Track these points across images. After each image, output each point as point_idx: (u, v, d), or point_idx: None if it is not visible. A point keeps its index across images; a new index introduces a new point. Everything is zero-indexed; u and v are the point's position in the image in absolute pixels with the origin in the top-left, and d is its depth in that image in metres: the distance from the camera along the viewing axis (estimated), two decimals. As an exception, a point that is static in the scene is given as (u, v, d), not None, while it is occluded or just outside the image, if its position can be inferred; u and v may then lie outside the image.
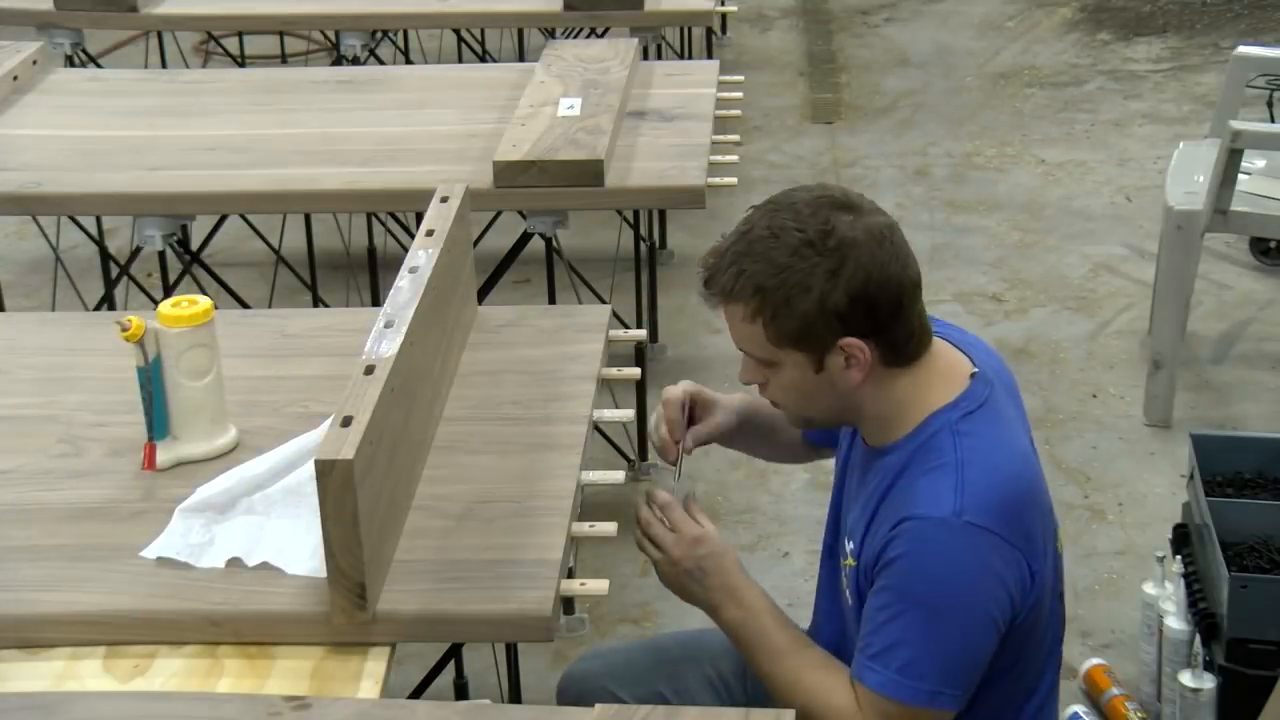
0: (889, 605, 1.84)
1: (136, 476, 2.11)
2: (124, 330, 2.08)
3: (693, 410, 2.18)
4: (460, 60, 5.99)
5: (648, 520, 1.96)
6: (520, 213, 3.39)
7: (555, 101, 3.38)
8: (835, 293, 1.81)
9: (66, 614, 1.88)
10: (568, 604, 1.91)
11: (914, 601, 1.83)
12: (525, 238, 3.44)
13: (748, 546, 3.55)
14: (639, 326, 3.95)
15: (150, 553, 1.96)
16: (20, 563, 1.96)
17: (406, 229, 4.86)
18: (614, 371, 2.45)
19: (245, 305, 3.96)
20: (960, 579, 1.82)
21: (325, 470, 1.77)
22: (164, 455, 2.13)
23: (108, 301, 3.98)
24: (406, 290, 2.13)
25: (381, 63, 5.41)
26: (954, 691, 1.84)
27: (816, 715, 1.87)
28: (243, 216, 4.40)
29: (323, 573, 1.87)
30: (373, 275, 4.31)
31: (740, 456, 3.84)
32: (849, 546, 1.96)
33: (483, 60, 5.90)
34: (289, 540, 1.95)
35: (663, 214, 4.80)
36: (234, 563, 1.93)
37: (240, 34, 5.68)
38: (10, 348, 2.51)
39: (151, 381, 2.11)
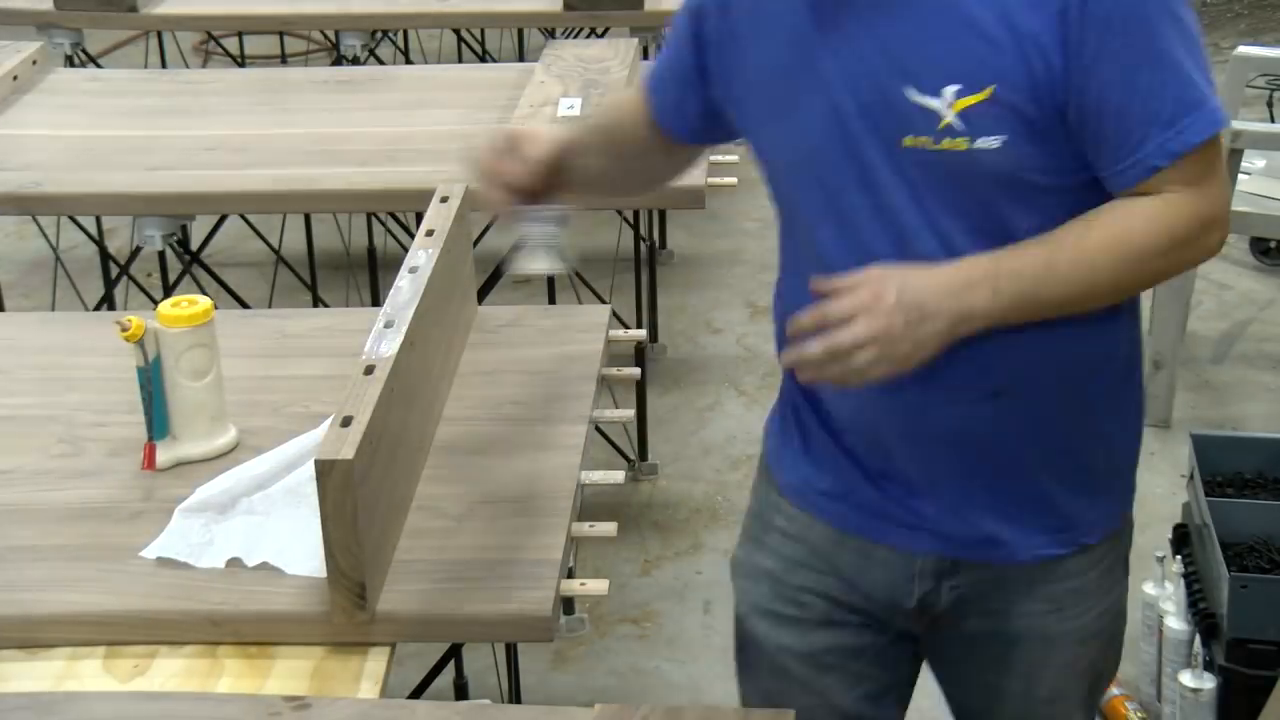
0: (1146, 42, 1.55)
1: (136, 476, 2.11)
2: (123, 330, 2.08)
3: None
4: (460, 60, 6.00)
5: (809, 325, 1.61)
6: (520, 213, 3.39)
7: (555, 101, 3.38)
8: None
9: (66, 614, 1.88)
10: (568, 604, 1.90)
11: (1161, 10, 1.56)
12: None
13: (748, 546, 3.55)
14: (639, 326, 3.95)
15: (150, 552, 1.95)
16: (20, 563, 1.96)
17: (406, 229, 4.87)
18: (614, 371, 2.45)
19: (245, 305, 3.97)
20: None
21: (325, 470, 1.77)
22: (164, 455, 2.13)
23: (108, 301, 3.98)
24: (406, 290, 2.13)
25: (381, 63, 5.41)
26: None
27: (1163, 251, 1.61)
28: (243, 216, 4.40)
29: (323, 573, 1.87)
30: (373, 275, 4.31)
31: (740, 456, 3.85)
32: (949, 91, 1.57)
33: (483, 60, 5.91)
34: (289, 540, 1.95)
35: (663, 214, 4.80)
36: (234, 563, 1.93)
37: (240, 34, 5.68)
38: (10, 348, 2.51)
39: (151, 381, 2.11)
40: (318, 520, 1.85)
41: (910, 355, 1.59)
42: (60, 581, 1.92)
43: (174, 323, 2.10)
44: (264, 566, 1.92)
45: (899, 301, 1.57)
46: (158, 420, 2.13)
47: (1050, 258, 1.59)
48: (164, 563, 1.94)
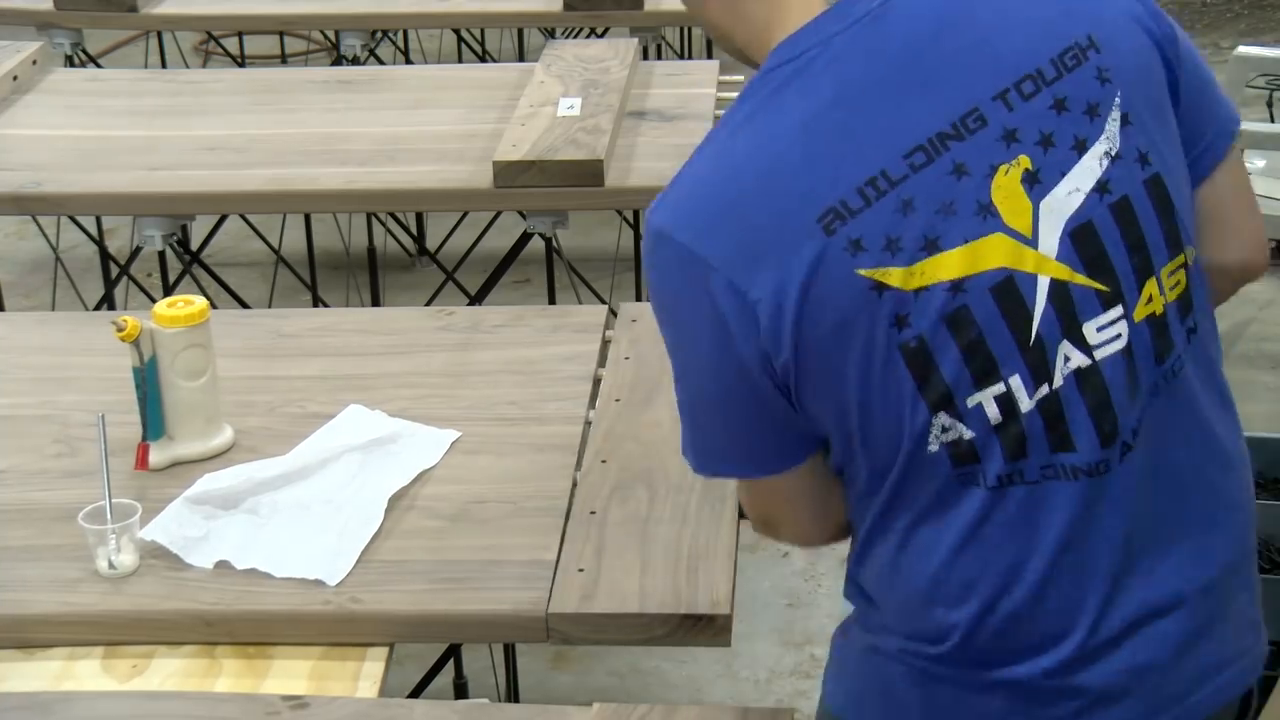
0: None
1: (131, 477, 2.11)
2: (119, 330, 2.07)
3: None
4: (460, 60, 5.99)
5: None
6: (520, 213, 3.39)
7: (555, 101, 3.38)
8: None
9: (62, 614, 1.88)
10: (566, 604, 1.90)
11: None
12: (525, 238, 3.44)
13: (748, 547, 3.54)
14: (638, 326, 3.94)
15: (146, 534, 1.95)
16: (16, 563, 1.96)
17: (406, 229, 4.87)
18: (611, 371, 2.45)
19: (245, 305, 3.97)
20: (659, 300, 1.47)
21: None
22: (159, 455, 2.13)
23: (108, 301, 3.98)
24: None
25: (381, 63, 5.41)
26: (708, 459, 1.54)
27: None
28: (243, 216, 4.40)
29: (312, 574, 1.88)
30: (373, 275, 4.31)
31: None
32: None
33: (483, 60, 5.90)
34: (285, 546, 1.94)
35: (663, 214, 4.79)
36: (222, 565, 1.93)
37: (240, 34, 5.68)
38: (7, 347, 2.51)
39: (147, 382, 2.11)
40: (319, 533, 1.87)
41: None
42: (56, 582, 1.92)
43: (170, 323, 2.10)
44: (252, 571, 1.92)
45: None
46: (153, 420, 2.13)
47: None
48: (158, 562, 1.94)
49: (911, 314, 1.38)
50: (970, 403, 1.41)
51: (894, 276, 1.38)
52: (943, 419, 1.42)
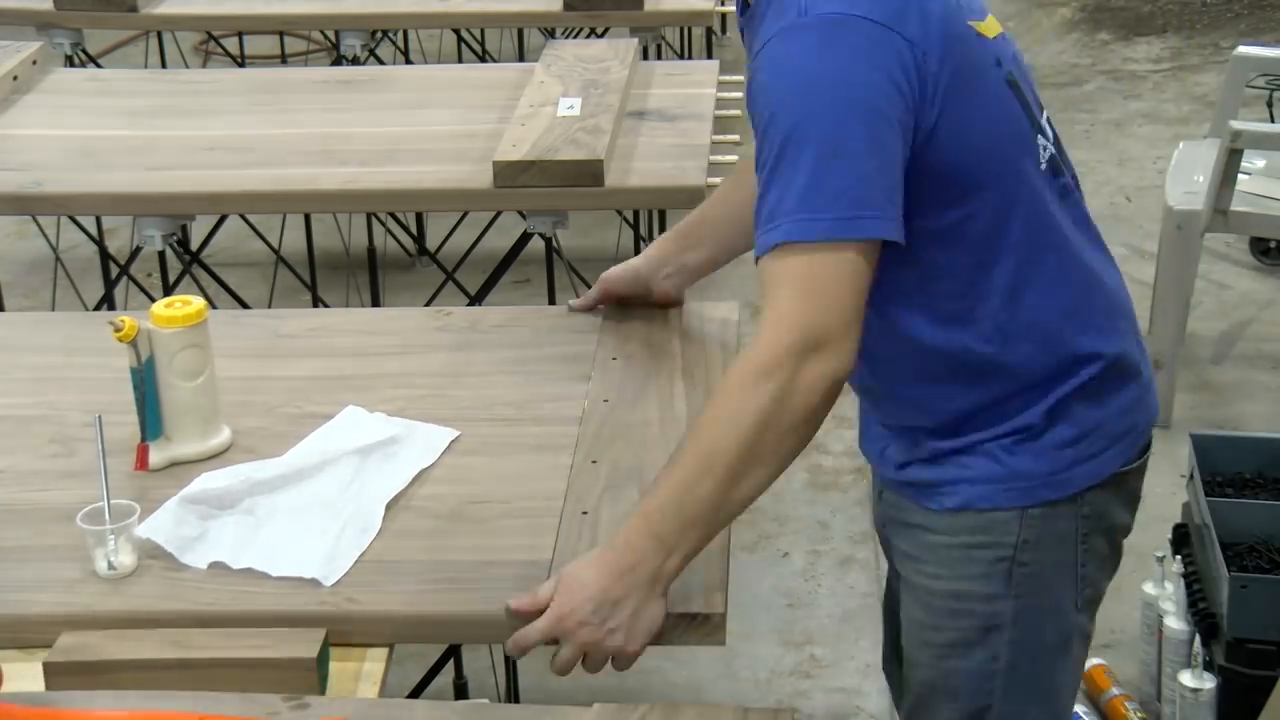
0: (767, 155, 1.63)
1: (129, 477, 2.11)
2: (116, 330, 2.07)
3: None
4: (460, 60, 6.00)
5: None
6: (520, 213, 3.39)
7: (555, 101, 3.38)
8: None
9: (61, 614, 1.88)
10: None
11: (790, 130, 1.61)
12: (525, 238, 3.44)
13: (748, 546, 3.55)
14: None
15: (142, 531, 1.95)
16: (13, 563, 1.96)
17: (406, 229, 4.87)
18: (610, 371, 2.44)
19: (245, 305, 3.97)
20: (826, 75, 1.60)
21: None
22: (157, 456, 2.13)
23: (108, 301, 3.98)
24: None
25: (381, 63, 5.41)
26: (873, 212, 1.62)
27: (749, 398, 1.68)
28: (243, 216, 4.40)
29: (308, 574, 1.88)
30: (372, 275, 4.31)
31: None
32: None
33: (483, 60, 5.91)
34: (281, 546, 1.93)
35: (663, 214, 4.78)
36: (217, 566, 1.92)
37: (240, 34, 5.69)
38: (5, 347, 2.51)
39: (144, 382, 2.11)
40: (316, 535, 1.88)
41: (630, 634, 1.76)
42: (53, 582, 1.92)
43: (167, 323, 2.10)
44: (249, 571, 1.91)
45: (582, 613, 1.74)
46: (151, 421, 2.13)
47: (679, 476, 1.71)
48: (154, 562, 1.93)
49: (1001, 56, 1.74)
50: (1044, 120, 1.80)
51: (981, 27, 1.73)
52: (1039, 139, 1.77)
